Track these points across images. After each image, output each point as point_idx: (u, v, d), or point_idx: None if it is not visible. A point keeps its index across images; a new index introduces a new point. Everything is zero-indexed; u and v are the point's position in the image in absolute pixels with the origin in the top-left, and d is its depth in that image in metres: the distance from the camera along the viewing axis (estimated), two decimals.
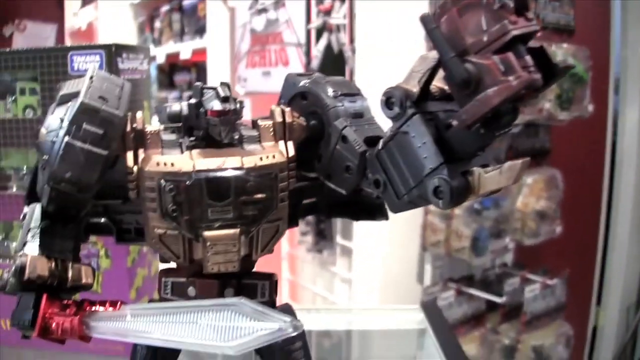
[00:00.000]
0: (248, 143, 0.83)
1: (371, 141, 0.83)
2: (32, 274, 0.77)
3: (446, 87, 0.78)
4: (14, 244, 1.47)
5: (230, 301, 0.69)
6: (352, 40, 2.52)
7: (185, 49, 3.90)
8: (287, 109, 0.86)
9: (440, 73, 0.76)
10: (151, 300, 0.89)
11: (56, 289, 0.82)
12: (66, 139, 0.76)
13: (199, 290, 0.83)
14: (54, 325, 0.78)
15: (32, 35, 2.83)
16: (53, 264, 0.80)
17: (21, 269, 0.78)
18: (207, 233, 0.77)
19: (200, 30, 3.79)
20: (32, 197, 0.89)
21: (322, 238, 2.93)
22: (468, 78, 0.66)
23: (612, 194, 3.13)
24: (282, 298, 2.26)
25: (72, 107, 0.77)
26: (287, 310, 0.87)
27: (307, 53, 2.66)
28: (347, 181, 0.84)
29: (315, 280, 3.04)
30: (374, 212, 0.98)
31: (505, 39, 0.65)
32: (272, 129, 0.85)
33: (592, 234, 3.17)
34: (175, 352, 0.87)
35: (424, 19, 0.68)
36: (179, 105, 0.85)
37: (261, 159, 0.79)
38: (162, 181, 0.77)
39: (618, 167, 3.08)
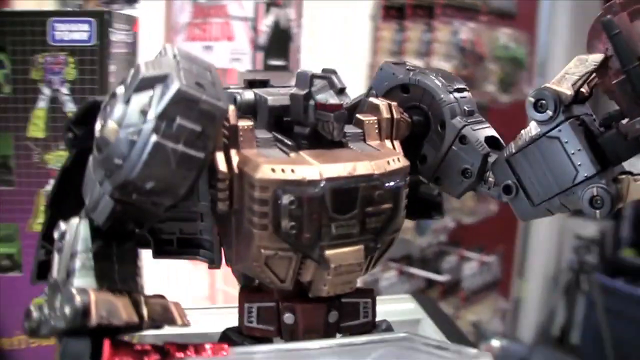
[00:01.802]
0: (353, 142, 0.70)
1: (490, 142, 0.73)
2: (105, 319, 0.58)
3: (583, 90, 0.69)
4: None
5: (397, 336, 0.56)
6: (299, 17, 2.41)
7: None
8: (394, 104, 0.72)
9: None
10: (225, 334, 0.73)
11: (115, 329, 0.63)
12: (154, 137, 0.56)
13: (301, 316, 0.69)
14: None
15: None
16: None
17: (84, 312, 0.57)
18: (330, 252, 0.63)
19: None
20: (58, 207, 0.71)
21: None
22: None
23: None
24: None
25: (160, 95, 0.57)
26: (389, 328, 0.76)
27: (255, 28, 2.49)
28: (461, 185, 0.73)
29: None
30: (430, 209, 0.88)
31: None
32: (377, 126, 0.71)
33: None
34: None
35: (607, 24, 0.60)
36: (251, 92, 0.70)
37: (388, 163, 0.66)
38: (280, 192, 0.61)
39: None
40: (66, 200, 0.71)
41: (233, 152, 0.64)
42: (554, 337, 3.13)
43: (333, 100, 0.65)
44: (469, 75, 2.60)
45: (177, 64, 0.60)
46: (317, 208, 0.62)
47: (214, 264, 0.78)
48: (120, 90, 0.60)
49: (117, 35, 1.17)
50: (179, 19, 2.86)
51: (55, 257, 0.64)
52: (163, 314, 0.62)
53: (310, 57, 2.34)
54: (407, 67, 0.76)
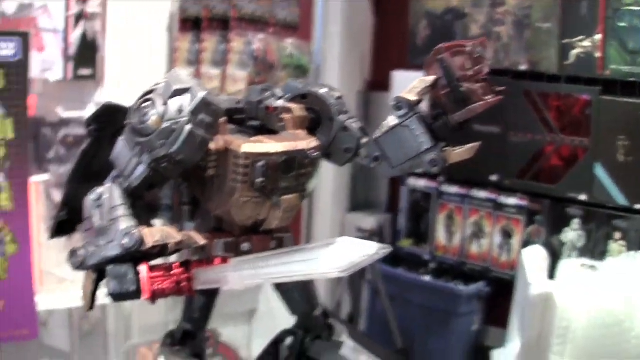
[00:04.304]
0: (281, 130, 1.15)
1: (361, 129, 1.22)
2: (161, 241, 0.96)
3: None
4: None
5: (334, 240, 1.02)
6: (104, 30, 2.71)
7: None
8: (301, 106, 1.18)
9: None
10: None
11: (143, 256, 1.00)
12: (188, 126, 0.96)
13: (254, 245, 1.12)
14: (164, 285, 0.98)
15: None
16: None
17: (141, 240, 0.96)
18: (282, 198, 1.08)
19: None
20: (77, 180, 1.06)
21: None
22: (465, 97, 1.11)
23: None
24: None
25: (190, 99, 0.96)
26: None
27: (65, 40, 2.77)
28: (344, 158, 1.20)
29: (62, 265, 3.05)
30: None
31: (483, 75, 1.12)
32: (292, 121, 1.17)
33: None
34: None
35: (442, 60, 1.09)
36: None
37: (310, 142, 1.12)
38: (257, 160, 1.04)
39: None
40: (86, 173, 1.06)
41: (217, 137, 1.05)
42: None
43: (275, 104, 1.09)
44: (261, 82, 3.09)
45: (191, 79, 0.99)
46: (275, 169, 1.06)
47: (173, 220, 1.17)
48: (155, 97, 0.98)
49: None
50: None
51: (96, 211, 0.99)
52: (189, 238, 1.01)
53: (115, 67, 2.65)
54: (306, 82, 1.22)
